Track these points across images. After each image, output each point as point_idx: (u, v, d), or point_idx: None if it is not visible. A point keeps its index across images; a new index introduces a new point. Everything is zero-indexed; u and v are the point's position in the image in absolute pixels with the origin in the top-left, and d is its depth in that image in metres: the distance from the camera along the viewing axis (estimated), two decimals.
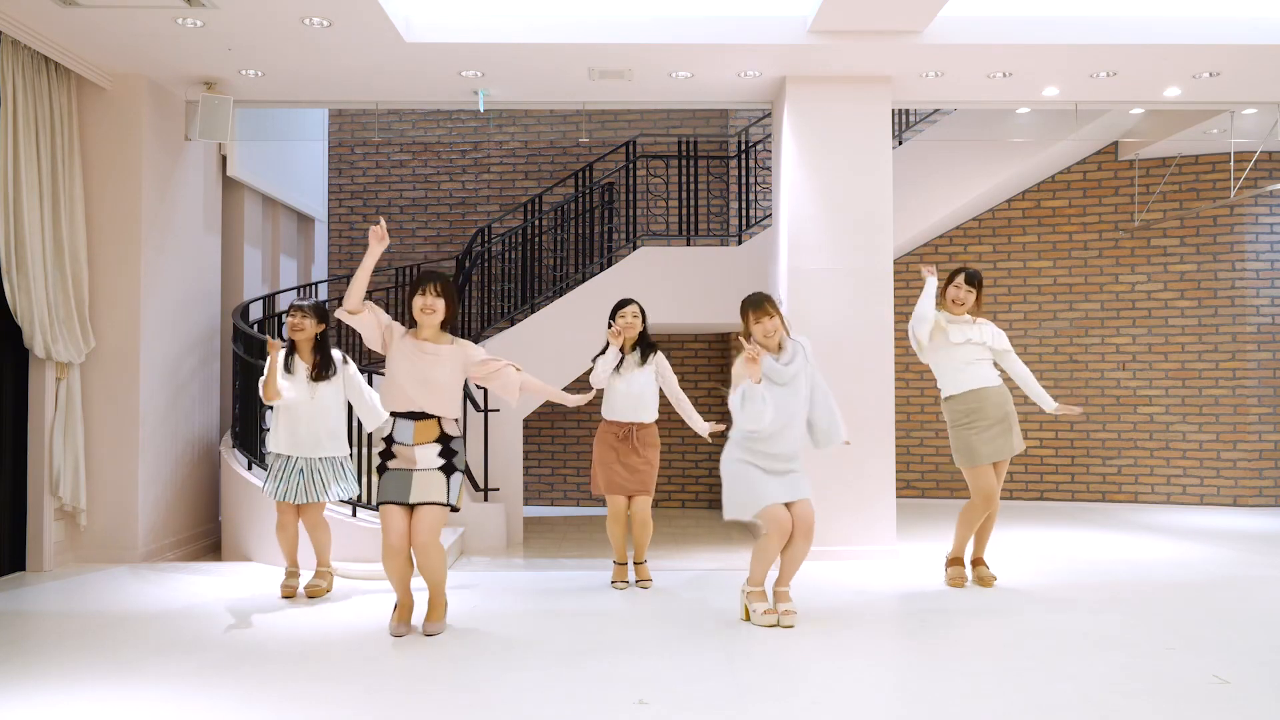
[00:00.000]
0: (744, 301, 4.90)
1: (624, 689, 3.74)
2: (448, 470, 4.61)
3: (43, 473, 6.09)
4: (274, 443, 5.54)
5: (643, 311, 5.82)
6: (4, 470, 6.00)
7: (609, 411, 5.80)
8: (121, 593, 5.57)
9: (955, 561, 5.75)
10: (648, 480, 5.80)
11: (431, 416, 4.59)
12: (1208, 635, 4.57)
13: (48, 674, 3.97)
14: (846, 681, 3.94)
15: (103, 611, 5.11)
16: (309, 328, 5.51)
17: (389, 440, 4.61)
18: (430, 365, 4.58)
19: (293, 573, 5.60)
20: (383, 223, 4.55)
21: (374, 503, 4.67)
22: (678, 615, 5.03)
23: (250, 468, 6.70)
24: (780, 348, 4.83)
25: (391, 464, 4.59)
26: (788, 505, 4.75)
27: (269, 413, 6.78)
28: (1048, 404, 5.76)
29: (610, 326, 5.78)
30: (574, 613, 5.09)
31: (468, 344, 4.73)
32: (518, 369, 4.75)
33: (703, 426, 5.84)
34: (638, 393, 5.72)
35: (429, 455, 4.57)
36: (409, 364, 4.56)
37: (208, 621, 4.90)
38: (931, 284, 5.63)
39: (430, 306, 4.58)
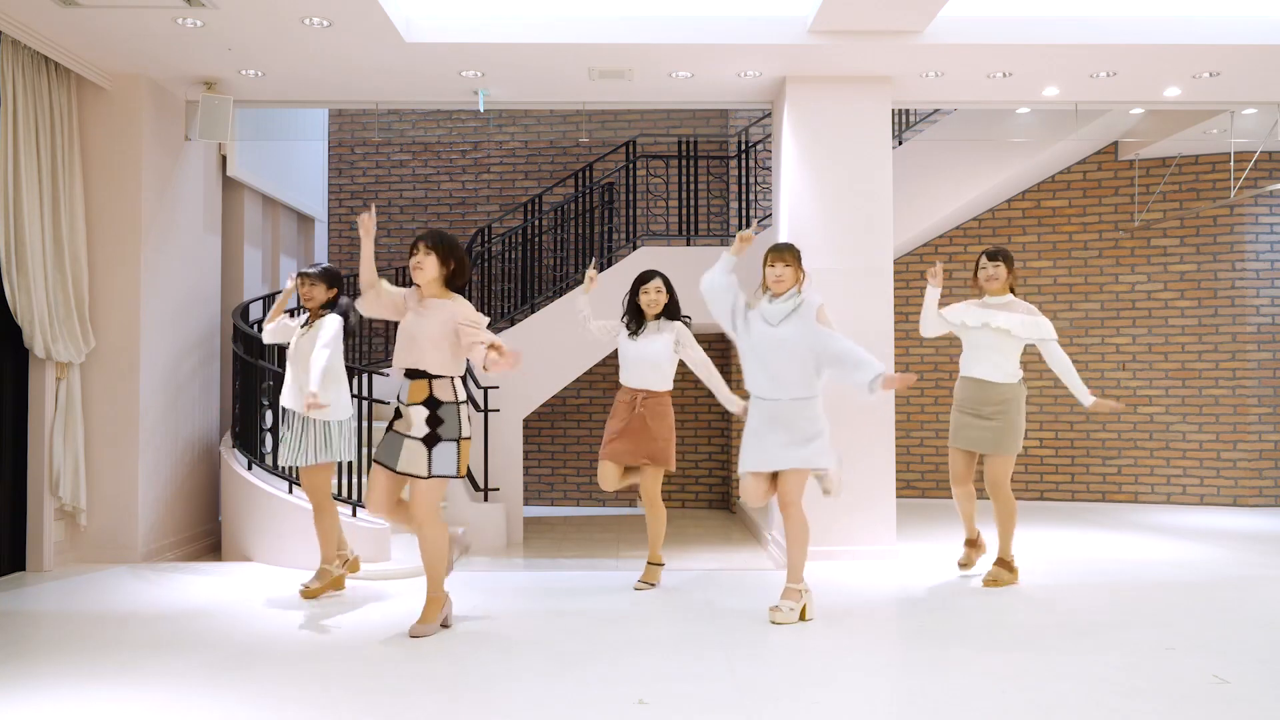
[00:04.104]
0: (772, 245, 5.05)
1: (624, 689, 3.74)
2: (431, 440, 4.48)
3: (43, 473, 6.09)
4: (283, 397, 5.52)
5: (668, 285, 5.71)
6: (4, 470, 6.00)
7: (623, 377, 5.72)
8: (121, 593, 5.57)
9: (1004, 563, 5.74)
10: (654, 451, 5.58)
11: (421, 376, 4.53)
12: (1208, 635, 4.57)
13: (48, 674, 3.97)
14: (847, 681, 3.94)
15: (103, 611, 5.11)
16: (319, 295, 5.48)
17: (399, 399, 4.61)
18: (418, 319, 4.54)
19: (343, 557, 5.51)
20: (372, 210, 4.62)
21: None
22: (678, 615, 5.02)
23: (250, 468, 6.70)
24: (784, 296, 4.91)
25: (396, 425, 4.56)
26: (772, 476, 4.83)
27: (269, 412, 6.83)
28: (1085, 398, 5.68)
29: (635, 298, 5.70)
30: (574, 613, 5.09)
31: (463, 301, 4.60)
32: (497, 346, 4.39)
33: (734, 402, 5.65)
34: (651, 359, 5.60)
35: (419, 420, 4.49)
36: (405, 320, 4.58)
37: (208, 621, 4.90)
38: (932, 294, 5.66)
39: (418, 264, 4.56)
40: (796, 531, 4.84)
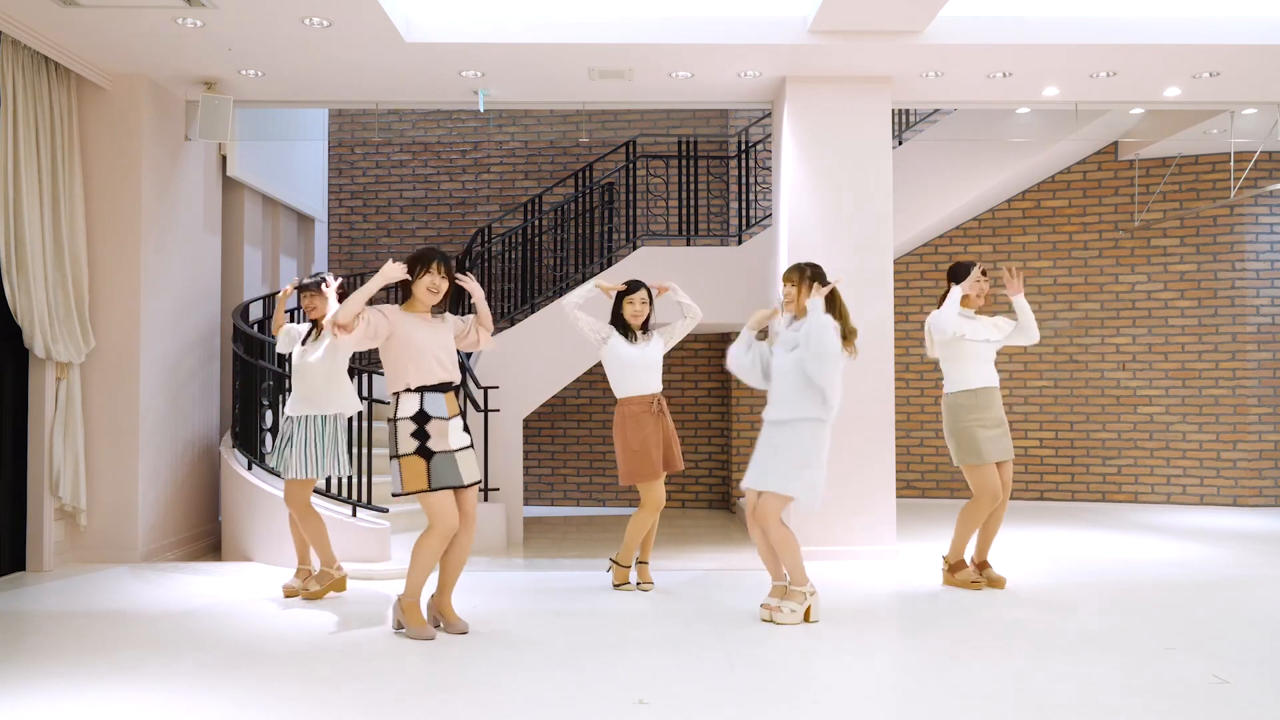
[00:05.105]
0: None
1: (624, 689, 3.74)
2: (471, 444, 4.65)
3: (43, 473, 6.09)
4: (290, 405, 5.59)
5: (651, 298, 5.71)
6: (4, 470, 6.00)
7: (633, 386, 5.56)
8: (121, 593, 5.57)
9: (960, 565, 5.69)
10: (676, 456, 5.64)
11: (452, 388, 4.60)
12: (1208, 635, 4.57)
13: (48, 674, 3.97)
14: (847, 681, 3.94)
15: (103, 611, 5.11)
16: (322, 306, 5.56)
17: (422, 418, 4.47)
18: (444, 334, 4.63)
19: (302, 571, 5.55)
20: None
21: (430, 487, 4.46)
22: (678, 615, 5.02)
23: (250, 468, 6.70)
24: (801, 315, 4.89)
25: (436, 446, 4.47)
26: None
27: (269, 412, 6.84)
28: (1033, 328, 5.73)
29: (619, 309, 5.64)
30: (574, 613, 5.09)
31: (448, 315, 4.77)
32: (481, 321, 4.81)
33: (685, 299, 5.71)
34: (655, 363, 5.61)
35: (458, 430, 4.57)
36: (427, 334, 4.55)
37: (208, 621, 4.90)
38: (956, 294, 5.56)
39: (435, 288, 4.58)
40: (776, 546, 4.81)
